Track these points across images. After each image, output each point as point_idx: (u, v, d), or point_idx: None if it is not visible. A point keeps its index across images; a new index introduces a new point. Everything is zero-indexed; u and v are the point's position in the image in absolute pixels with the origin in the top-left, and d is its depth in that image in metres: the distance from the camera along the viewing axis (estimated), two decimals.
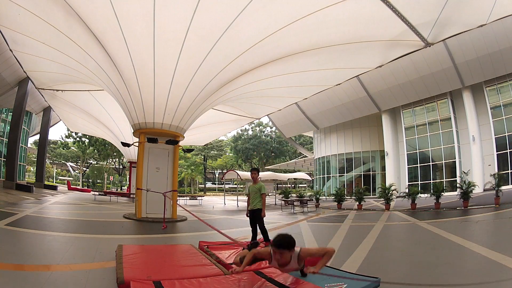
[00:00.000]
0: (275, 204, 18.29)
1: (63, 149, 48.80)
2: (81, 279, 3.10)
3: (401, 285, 3.19)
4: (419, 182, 20.83)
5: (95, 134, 23.52)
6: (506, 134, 17.35)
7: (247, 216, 5.18)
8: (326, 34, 7.21)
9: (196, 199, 21.87)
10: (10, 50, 9.39)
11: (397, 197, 14.03)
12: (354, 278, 3.02)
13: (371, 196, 22.39)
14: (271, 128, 46.56)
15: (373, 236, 6.40)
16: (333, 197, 17.22)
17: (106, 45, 7.51)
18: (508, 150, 17.13)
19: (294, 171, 36.81)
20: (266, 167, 42.81)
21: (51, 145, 48.03)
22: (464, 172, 13.83)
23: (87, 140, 39.17)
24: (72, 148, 47.29)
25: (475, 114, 18.91)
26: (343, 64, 9.01)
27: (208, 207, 16.45)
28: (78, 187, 35.08)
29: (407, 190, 14.49)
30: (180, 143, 10.64)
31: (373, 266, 3.98)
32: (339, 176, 27.54)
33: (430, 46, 7.36)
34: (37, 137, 30.14)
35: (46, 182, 28.04)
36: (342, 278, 3.02)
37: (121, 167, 44.88)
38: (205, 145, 34.40)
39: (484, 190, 16.32)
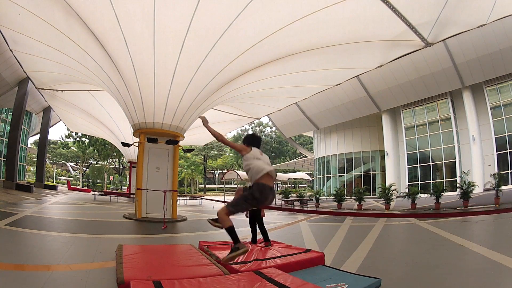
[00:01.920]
0: (275, 204, 18.28)
1: (63, 149, 48.82)
2: (81, 279, 3.10)
3: (401, 285, 3.19)
4: (419, 182, 20.82)
5: (95, 134, 23.52)
6: (506, 134, 17.35)
7: (247, 216, 5.18)
8: (326, 34, 7.21)
9: (196, 199, 21.88)
10: (10, 50, 9.39)
11: (397, 197, 14.02)
12: (355, 278, 3.03)
13: (371, 196, 22.38)
14: (271, 128, 46.63)
15: (373, 236, 6.40)
16: (333, 197, 17.20)
17: (106, 45, 7.52)
18: (508, 150, 17.13)
19: (294, 171, 36.83)
20: None
21: (51, 145, 48.02)
22: (464, 172, 13.83)
23: (87, 140, 39.19)
24: (72, 148, 47.31)
25: (475, 114, 18.90)
26: (343, 64, 9.01)
27: (208, 207, 16.46)
28: (78, 187, 35.06)
29: (407, 190, 14.48)
30: (180, 143, 10.64)
31: (374, 266, 3.98)
32: (339, 176, 27.53)
33: (430, 46, 7.37)
34: (37, 137, 30.14)
35: (46, 182, 28.03)
36: (343, 278, 3.03)
37: (121, 167, 44.88)
38: (205, 145, 34.41)
39: (484, 190, 16.31)
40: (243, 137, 3.16)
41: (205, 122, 3.03)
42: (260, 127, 48.36)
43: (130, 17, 6.47)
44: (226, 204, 2.74)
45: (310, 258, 3.71)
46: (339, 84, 10.68)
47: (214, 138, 3.21)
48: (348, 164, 27.21)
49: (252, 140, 3.04)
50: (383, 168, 24.31)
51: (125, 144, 11.78)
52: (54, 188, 26.02)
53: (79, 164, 49.50)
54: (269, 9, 6.27)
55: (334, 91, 19.13)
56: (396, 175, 22.68)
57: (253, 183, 2.76)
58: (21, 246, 4.59)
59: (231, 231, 2.60)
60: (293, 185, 41.52)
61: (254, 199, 2.70)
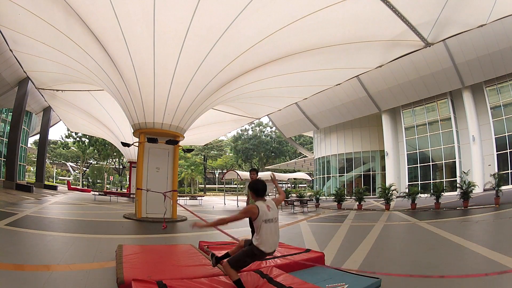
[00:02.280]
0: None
1: (63, 149, 48.82)
2: (81, 279, 3.10)
3: (401, 285, 3.19)
4: (419, 182, 20.83)
5: (95, 134, 23.53)
6: (506, 134, 17.35)
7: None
8: (326, 34, 7.21)
9: (196, 199, 21.88)
10: (10, 50, 9.39)
11: (397, 197, 14.03)
12: (355, 278, 3.03)
13: (371, 196, 22.39)
14: (271, 128, 46.56)
15: (373, 236, 6.40)
16: (333, 197, 17.22)
17: (106, 45, 7.52)
18: (508, 150, 17.13)
19: (294, 171, 36.83)
20: (266, 167, 42.84)
21: (51, 145, 48.04)
22: (464, 172, 13.83)
23: (87, 140, 39.17)
24: (72, 148, 47.31)
25: (475, 114, 18.91)
26: (343, 64, 9.01)
27: (208, 207, 16.46)
28: (78, 187, 35.06)
29: (407, 190, 14.49)
30: (180, 143, 10.64)
31: (374, 266, 3.98)
32: (339, 176, 27.54)
33: (430, 46, 7.36)
34: (37, 137, 30.14)
35: (46, 182, 28.03)
36: (343, 278, 3.03)
37: (121, 167, 44.89)
38: (205, 145, 34.39)
39: (484, 190, 16.32)
40: (249, 184, 3.05)
41: (201, 227, 2.97)
42: (260, 127, 48.30)
43: (130, 17, 6.47)
44: (228, 260, 2.74)
45: (310, 258, 3.71)
46: (339, 84, 10.68)
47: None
48: (348, 164, 27.21)
49: (258, 191, 2.89)
50: (383, 168, 24.31)
51: (125, 144, 11.78)
52: (54, 188, 26.01)
53: (79, 164, 49.51)
54: (269, 9, 6.27)
55: (334, 91, 19.14)
56: (396, 175, 22.69)
57: (254, 243, 2.71)
58: (21, 246, 4.60)
59: (239, 284, 2.64)
60: (293, 185, 41.53)
61: (253, 256, 2.71)
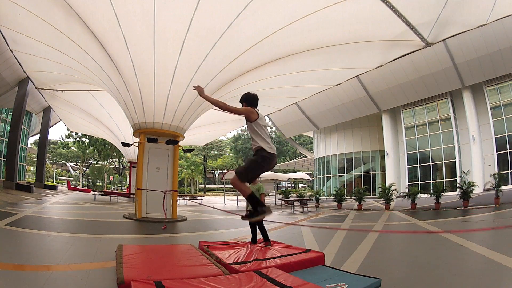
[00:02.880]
0: (275, 204, 18.27)
1: (63, 149, 48.82)
2: (81, 279, 3.10)
3: (401, 285, 3.19)
4: (419, 182, 20.82)
5: (95, 134, 23.52)
6: (506, 134, 17.35)
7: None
8: (326, 34, 7.22)
9: (196, 199, 21.88)
10: (10, 50, 9.40)
11: (397, 197, 14.03)
12: (355, 278, 3.03)
13: (371, 196, 22.38)
14: (271, 128, 46.56)
15: (373, 236, 6.40)
16: (333, 197, 17.22)
17: (106, 45, 7.52)
18: (508, 150, 17.13)
19: (294, 171, 36.85)
20: None
21: (51, 145, 48.05)
22: (464, 172, 13.82)
23: (87, 140, 39.17)
24: (72, 148, 47.31)
25: (475, 114, 18.91)
26: (343, 64, 9.02)
27: (208, 207, 16.44)
28: (78, 187, 35.06)
29: (407, 190, 14.49)
30: (180, 143, 10.64)
31: (373, 266, 3.98)
32: (339, 176, 27.53)
33: (430, 46, 7.37)
34: (37, 137, 30.13)
35: (46, 182, 28.02)
36: (343, 278, 3.03)
37: (121, 167, 44.89)
38: (205, 145, 34.39)
39: (484, 190, 16.32)
40: (241, 97, 3.16)
41: (201, 93, 2.96)
42: None
43: (130, 17, 6.47)
44: (235, 171, 2.75)
45: (310, 258, 3.71)
46: (339, 84, 10.68)
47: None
48: (348, 164, 27.21)
49: (254, 101, 3.11)
50: (383, 168, 24.31)
51: (125, 144, 11.78)
52: (54, 188, 26.01)
53: (79, 164, 49.51)
54: (269, 9, 6.27)
55: (334, 91, 19.14)
56: (396, 175, 22.68)
57: (263, 147, 2.81)
58: (21, 246, 4.59)
59: (252, 197, 2.63)
60: (293, 185, 41.55)
61: (264, 160, 2.75)
